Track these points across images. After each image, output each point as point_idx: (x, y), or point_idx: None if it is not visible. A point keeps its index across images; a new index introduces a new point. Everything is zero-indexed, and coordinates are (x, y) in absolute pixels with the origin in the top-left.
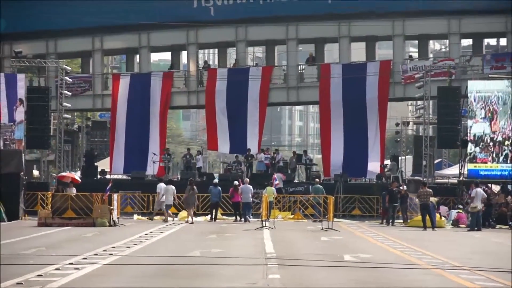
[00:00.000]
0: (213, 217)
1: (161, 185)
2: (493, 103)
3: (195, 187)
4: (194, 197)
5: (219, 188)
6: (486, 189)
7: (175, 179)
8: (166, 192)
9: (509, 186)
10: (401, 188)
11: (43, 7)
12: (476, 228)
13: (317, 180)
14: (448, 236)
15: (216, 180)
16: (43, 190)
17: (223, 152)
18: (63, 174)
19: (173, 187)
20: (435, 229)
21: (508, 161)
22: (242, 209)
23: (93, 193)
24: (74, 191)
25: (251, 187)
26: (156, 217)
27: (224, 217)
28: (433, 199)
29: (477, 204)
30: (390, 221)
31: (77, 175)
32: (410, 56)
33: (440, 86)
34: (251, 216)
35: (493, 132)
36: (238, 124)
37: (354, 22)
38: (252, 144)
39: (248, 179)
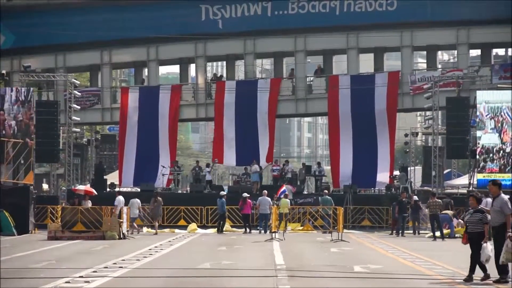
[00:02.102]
0: (221, 229)
1: (120, 198)
2: (502, 113)
3: (159, 198)
4: (159, 209)
5: (223, 199)
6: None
7: (185, 192)
8: (131, 205)
9: None
10: (414, 198)
11: (52, 21)
12: None
13: (326, 191)
14: (458, 246)
15: (222, 192)
16: (53, 204)
17: (230, 164)
18: (79, 187)
19: (138, 200)
20: (445, 239)
21: None
22: (259, 220)
23: (103, 206)
24: (89, 204)
25: (269, 199)
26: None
27: (234, 229)
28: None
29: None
30: (400, 231)
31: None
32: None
33: (448, 97)
34: (268, 227)
35: (503, 143)
36: (247, 136)
37: (362, 33)
38: (263, 155)
39: (266, 191)
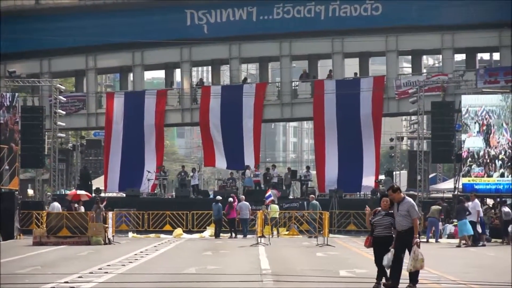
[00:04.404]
0: (217, 233)
1: (54, 204)
2: (486, 118)
3: (101, 205)
4: (99, 216)
5: (219, 204)
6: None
7: (169, 197)
8: (51, 209)
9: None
10: None
11: (37, 26)
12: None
13: (312, 196)
14: (443, 250)
15: (218, 197)
16: (38, 209)
17: (220, 168)
18: (74, 192)
19: (58, 204)
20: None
21: (506, 175)
22: (239, 225)
23: (88, 211)
24: (82, 209)
25: (248, 204)
26: None
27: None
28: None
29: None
30: None
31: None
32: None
33: (433, 101)
34: (247, 232)
35: (488, 146)
36: (234, 140)
37: (347, 38)
38: (249, 160)
39: (243, 196)
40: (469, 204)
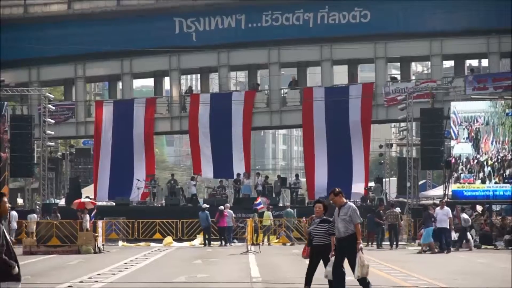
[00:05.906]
0: (207, 242)
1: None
2: (475, 124)
3: (58, 214)
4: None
5: (207, 212)
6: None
7: (159, 205)
8: (11, 218)
9: (492, 206)
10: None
11: (25, 35)
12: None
13: (288, 204)
14: (432, 257)
15: (204, 205)
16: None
17: (207, 176)
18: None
19: (15, 213)
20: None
21: (495, 182)
22: (225, 233)
23: (78, 220)
24: (87, 217)
25: (231, 212)
26: None
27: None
28: None
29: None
30: (375, 243)
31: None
32: (395, 78)
33: (422, 108)
34: (230, 239)
35: (477, 153)
36: (223, 148)
37: (336, 45)
38: (239, 168)
39: (228, 205)
40: (439, 211)
